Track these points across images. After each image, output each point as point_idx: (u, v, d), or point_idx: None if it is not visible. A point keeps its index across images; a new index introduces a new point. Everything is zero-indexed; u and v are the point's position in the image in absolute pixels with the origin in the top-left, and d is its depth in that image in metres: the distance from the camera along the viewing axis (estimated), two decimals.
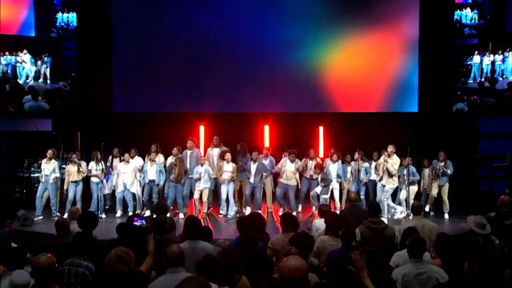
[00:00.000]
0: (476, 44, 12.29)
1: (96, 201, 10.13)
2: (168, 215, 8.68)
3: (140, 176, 10.32)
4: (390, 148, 9.78)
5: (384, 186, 9.86)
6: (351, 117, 12.45)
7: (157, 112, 12.65)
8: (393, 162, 9.69)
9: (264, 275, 3.80)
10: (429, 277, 4.12)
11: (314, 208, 10.19)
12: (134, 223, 5.03)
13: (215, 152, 10.61)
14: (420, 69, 12.34)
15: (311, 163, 10.44)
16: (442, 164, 10.04)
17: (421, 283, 4.11)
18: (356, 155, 10.48)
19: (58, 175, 10.12)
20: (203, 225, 6.89)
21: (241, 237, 5.36)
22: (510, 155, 10.82)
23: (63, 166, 10.57)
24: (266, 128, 12.56)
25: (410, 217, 9.50)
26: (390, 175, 9.71)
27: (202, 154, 10.73)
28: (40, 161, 10.53)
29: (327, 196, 10.03)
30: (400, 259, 4.84)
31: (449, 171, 10.02)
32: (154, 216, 7.13)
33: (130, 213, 10.09)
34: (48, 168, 10.02)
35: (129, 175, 10.19)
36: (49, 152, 10.07)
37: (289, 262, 2.73)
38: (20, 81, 12.52)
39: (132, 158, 10.46)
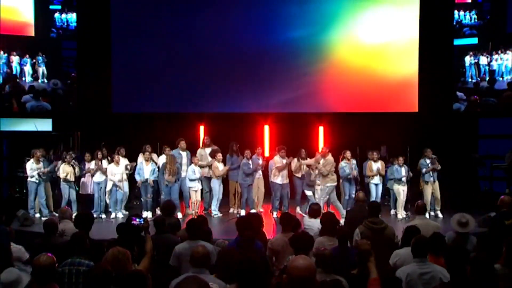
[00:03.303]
0: (476, 44, 12.29)
1: (97, 201, 10.08)
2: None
3: (137, 176, 10.26)
4: (323, 150, 9.81)
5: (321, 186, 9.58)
6: (351, 117, 12.43)
7: (157, 112, 12.64)
8: (325, 163, 9.49)
9: (262, 278, 3.74)
10: (433, 277, 4.12)
11: (298, 208, 10.30)
12: (132, 222, 5.00)
13: (207, 151, 10.65)
14: (420, 69, 12.33)
15: (300, 163, 10.29)
16: (429, 161, 9.97)
17: (425, 282, 4.11)
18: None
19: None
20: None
21: (239, 237, 5.36)
22: (510, 155, 10.81)
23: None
24: (266, 128, 12.56)
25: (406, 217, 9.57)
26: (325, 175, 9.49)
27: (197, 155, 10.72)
28: (25, 162, 10.33)
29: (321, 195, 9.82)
30: (397, 258, 4.80)
31: (438, 167, 9.97)
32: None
33: (122, 213, 10.14)
34: (40, 168, 9.89)
35: (120, 176, 10.11)
36: (38, 152, 9.90)
37: (297, 261, 2.69)
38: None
39: (123, 157, 10.38)
